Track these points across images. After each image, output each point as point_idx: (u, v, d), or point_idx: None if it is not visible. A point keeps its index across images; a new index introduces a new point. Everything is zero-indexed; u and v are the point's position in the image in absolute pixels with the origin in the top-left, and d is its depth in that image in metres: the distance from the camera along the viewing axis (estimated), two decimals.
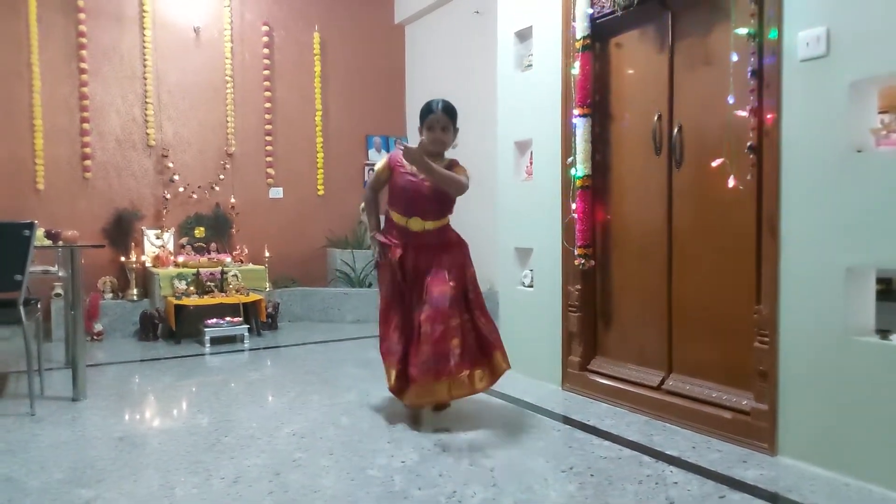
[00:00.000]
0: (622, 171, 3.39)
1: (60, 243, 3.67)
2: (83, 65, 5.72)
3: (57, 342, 4.93)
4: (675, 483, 2.35)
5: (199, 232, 6.09)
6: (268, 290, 5.87)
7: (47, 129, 5.62)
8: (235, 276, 5.56)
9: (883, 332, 2.33)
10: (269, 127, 6.59)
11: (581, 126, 3.37)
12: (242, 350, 4.92)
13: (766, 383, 2.59)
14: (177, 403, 3.55)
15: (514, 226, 3.98)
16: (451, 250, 3.16)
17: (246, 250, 6.06)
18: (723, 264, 2.86)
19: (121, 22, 5.90)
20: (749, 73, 2.59)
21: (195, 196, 6.22)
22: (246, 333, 5.14)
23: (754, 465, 2.50)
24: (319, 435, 2.91)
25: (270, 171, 6.61)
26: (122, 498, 2.27)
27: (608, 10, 3.25)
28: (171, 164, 6.11)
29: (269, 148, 6.60)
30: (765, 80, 2.57)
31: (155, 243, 5.92)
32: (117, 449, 2.76)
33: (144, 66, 5.98)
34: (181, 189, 6.15)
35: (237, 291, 5.48)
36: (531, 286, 3.90)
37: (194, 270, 5.50)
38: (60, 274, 4.13)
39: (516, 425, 3.04)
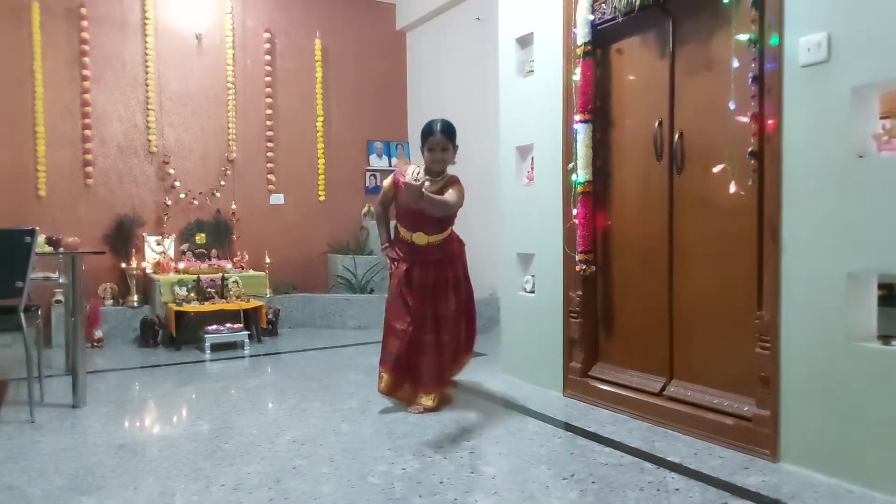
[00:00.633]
0: (623, 176, 3.39)
1: (61, 250, 3.67)
2: (85, 72, 5.74)
3: (57, 349, 4.93)
4: (677, 490, 2.34)
5: (200, 238, 6.10)
6: (268, 296, 5.88)
7: (49, 136, 5.64)
8: (236, 282, 5.56)
9: (885, 338, 2.32)
10: (270, 133, 6.60)
11: (582, 132, 3.37)
12: (243, 356, 4.92)
13: (768, 389, 2.58)
14: (177, 410, 3.54)
15: (516, 231, 3.97)
16: (455, 262, 3.48)
17: (247, 256, 6.06)
18: (724, 270, 2.85)
19: (123, 29, 5.92)
20: (750, 79, 2.59)
21: (196, 202, 6.23)
22: (246, 340, 5.14)
23: (756, 471, 2.49)
24: (320, 442, 2.90)
25: (271, 177, 6.62)
26: None
27: (609, 17, 3.26)
28: (172, 171, 6.12)
29: (270, 154, 6.61)
30: (766, 86, 2.56)
31: (156, 249, 5.92)
32: (118, 456, 2.76)
33: (146, 72, 6.00)
34: (182, 195, 6.16)
35: (238, 298, 5.48)
36: (532, 292, 3.89)
37: (195, 277, 5.50)
38: (61, 280, 4.13)
39: (518, 432, 3.03)
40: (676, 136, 3.04)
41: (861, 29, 2.28)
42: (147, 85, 6.01)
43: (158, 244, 5.95)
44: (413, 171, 3.39)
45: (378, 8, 7.16)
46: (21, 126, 5.56)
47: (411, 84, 7.32)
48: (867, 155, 2.32)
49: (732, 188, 2.66)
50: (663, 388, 3.13)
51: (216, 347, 5.04)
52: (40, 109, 5.58)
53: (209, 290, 5.46)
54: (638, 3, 3.05)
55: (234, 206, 6.33)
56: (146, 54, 5.99)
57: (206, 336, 5.00)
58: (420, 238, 3.36)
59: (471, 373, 3.93)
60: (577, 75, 3.38)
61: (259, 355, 4.97)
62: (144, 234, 5.95)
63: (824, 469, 2.41)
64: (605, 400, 3.37)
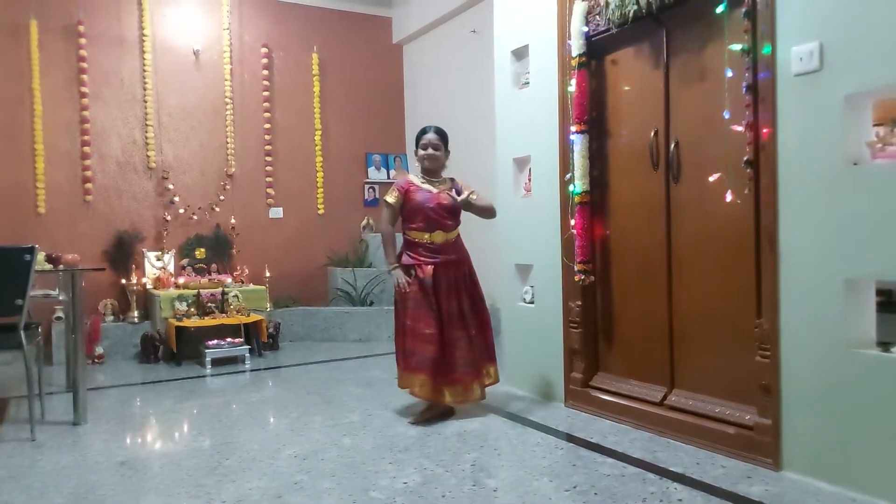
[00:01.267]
0: (620, 186, 3.40)
1: (61, 267, 3.68)
2: (84, 89, 5.77)
3: (58, 366, 4.93)
4: (680, 500, 2.33)
5: (200, 253, 6.11)
6: (269, 310, 5.87)
7: (48, 153, 5.66)
8: (236, 296, 5.56)
9: (884, 345, 2.32)
10: (268, 147, 6.63)
11: (578, 142, 3.38)
12: (244, 371, 4.91)
13: (769, 398, 2.58)
14: (178, 426, 3.54)
15: (514, 242, 3.98)
16: (467, 260, 3.55)
17: (246, 270, 6.07)
18: (723, 278, 2.85)
19: (121, 46, 5.96)
20: (744, 88, 2.61)
21: (195, 217, 6.24)
22: (247, 354, 5.13)
23: (759, 480, 2.48)
24: (321, 456, 2.90)
25: (270, 191, 6.63)
26: None
27: (603, 28, 3.28)
28: (171, 186, 6.14)
29: (268, 168, 6.63)
30: (760, 95, 2.58)
31: (155, 265, 5.93)
32: (118, 474, 2.75)
33: (145, 89, 6.03)
34: (181, 210, 6.17)
35: (238, 312, 5.48)
36: (532, 302, 3.89)
37: (195, 292, 5.50)
38: (61, 298, 4.13)
39: (520, 444, 3.03)
40: (672, 145, 3.06)
41: (853, 38, 2.30)
42: (145, 101, 6.04)
43: (158, 259, 5.96)
44: (418, 178, 3.49)
45: (374, 21, 7.21)
46: (20, 144, 5.58)
47: (408, 97, 7.35)
48: (861, 162, 2.34)
49: (729, 197, 2.67)
50: (664, 398, 3.13)
51: (217, 362, 5.03)
52: (39, 127, 5.61)
53: (209, 304, 5.46)
54: (631, 14, 3.08)
55: (233, 221, 6.34)
56: (144, 71, 6.02)
57: (206, 351, 5.00)
58: (439, 236, 3.40)
59: None
60: (572, 86, 3.39)
61: (260, 369, 4.96)
62: (144, 249, 5.96)
63: (827, 477, 2.40)
64: (607, 410, 3.36)
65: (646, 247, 3.24)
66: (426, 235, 3.41)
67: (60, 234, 5.62)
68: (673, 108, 3.08)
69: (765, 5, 2.55)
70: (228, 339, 5.15)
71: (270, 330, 5.63)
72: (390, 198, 3.47)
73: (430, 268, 3.38)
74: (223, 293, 5.55)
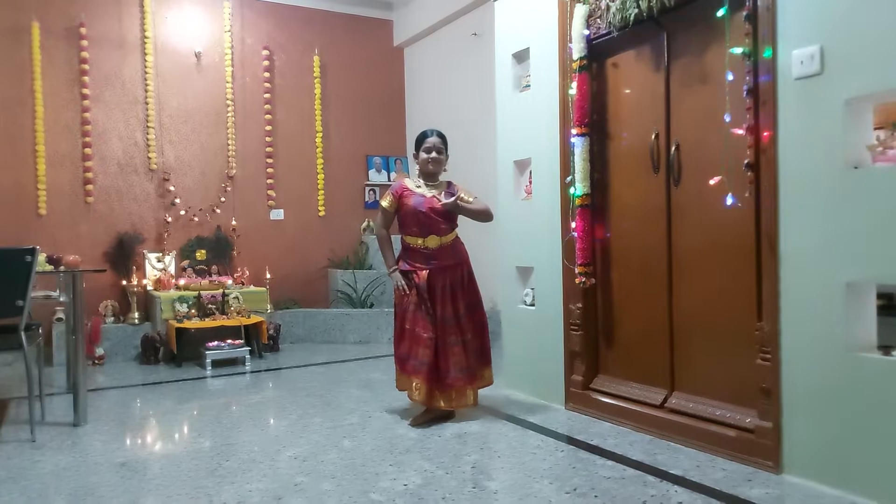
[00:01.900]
0: (621, 189, 3.40)
1: (62, 268, 3.68)
2: (85, 91, 5.78)
3: (58, 367, 4.93)
4: (680, 503, 2.33)
5: (201, 255, 6.11)
6: (269, 311, 5.87)
7: (49, 155, 5.67)
8: (237, 298, 5.56)
9: (885, 348, 2.32)
10: (269, 149, 6.64)
11: (579, 145, 3.39)
12: (244, 372, 4.91)
13: (770, 401, 2.58)
14: (178, 427, 3.54)
15: (515, 245, 3.98)
16: (465, 262, 3.51)
17: (247, 272, 6.07)
18: (723, 281, 2.86)
19: (123, 48, 5.97)
20: (745, 92, 2.61)
21: (196, 219, 6.25)
22: (247, 356, 5.13)
23: (759, 483, 2.48)
24: (321, 458, 2.90)
25: (271, 192, 6.64)
26: None
27: (604, 31, 3.29)
28: (172, 188, 6.14)
29: (269, 170, 6.64)
30: (760, 99, 2.59)
31: (156, 266, 5.93)
32: (118, 475, 2.75)
33: (146, 91, 6.04)
34: (182, 212, 6.18)
35: (238, 314, 5.48)
36: (533, 305, 3.89)
37: (195, 293, 5.50)
38: (62, 299, 4.13)
39: (520, 446, 3.03)
40: (673, 148, 3.06)
41: (853, 41, 2.31)
42: (147, 103, 6.05)
43: (159, 261, 5.97)
44: (414, 182, 3.49)
45: (376, 24, 7.22)
46: (21, 145, 5.59)
47: (409, 99, 7.36)
48: (862, 166, 2.34)
49: (729, 200, 2.68)
50: (665, 401, 3.13)
51: (217, 364, 5.03)
52: (41, 129, 5.61)
53: (210, 306, 5.47)
54: (632, 17, 3.09)
55: (234, 223, 6.34)
56: (146, 72, 6.03)
57: (207, 352, 5.00)
58: (433, 241, 3.39)
59: None
60: (573, 89, 3.40)
61: (260, 371, 4.96)
62: (145, 251, 5.96)
63: (827, 480, 2.40)
64: (607, 413, 3.36)
65: (646, 249, 3.24)
66: (420, 240, 3.40)
67: (61, 235, 5.62)
68: (674, 111, 3.08)
69: (766, 9, 2.55)
70: (229, 341, 5.15)
71: (271, 331, 5.63)
72: (384, 202, 3.49)
73: (424, 273, 3.38)
74: (224, 295, 5.55)
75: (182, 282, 5.75)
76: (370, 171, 7.20)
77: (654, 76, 3.16)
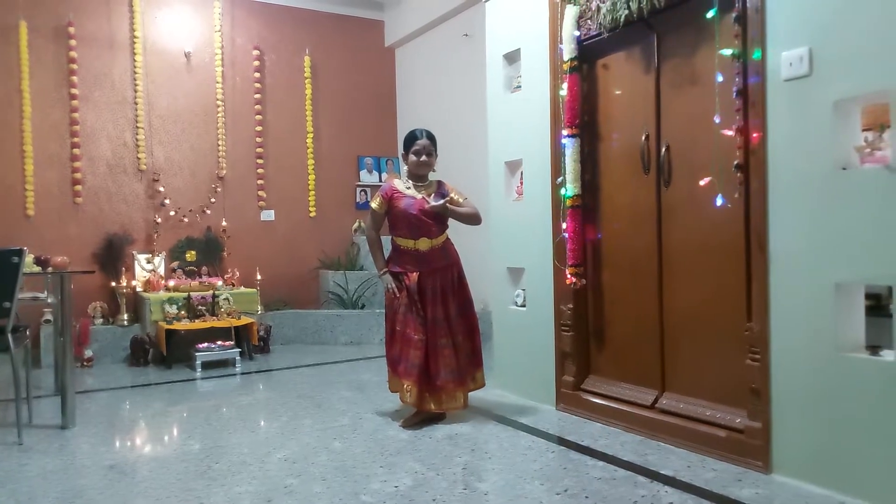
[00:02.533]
0: (611, 190, 3.41)
1: (50, 270, 3.65)
2: (74, 91, 5.74)
3: (46, 369, 4.89)
4: (671, 503, 2.34)
5: (191, 256, 6.07)
6: (260, 313, 5.85)
7: (38, 155, 5.62)
8: (227, 299, 5.53)
9: (873, 348, 2.34)
10: (260, 150, 6.61)
11: (570, 146, 3.39)
12: (234, 374, 4.88)
13: (759, 401, 2.59)
14: (167, 430, 3.51)
15: (506, 246, 3.98)
16: (456, 264, 3.51)
17: (237, 273, 6.04)
18: (713, 282, 2.87)
19: (112, 48, 5.93)
20: (734, 93, 2.62)
21: (186, 220, 6.21)
22: (237, 357, 5.11)
23: (749, 483, 2.49)
24: (312, 460, 2.88)
25: (262, 193, 6.61)
26: None
27: (595, 32, 3.29)
28: (161, 189, 6.11)
29: (260, 171, 6.61)
30: (750, 100, 2.60)
31: (146, 268, 5.90)
32: (107, 478, 2.73)
33: (135, 91, 6.00)
34: (172, 213, 6.14)
35: (229, 315, 5.45)
36: (524, 306, 3.89)
37: (185, 294, 5.47)
38: (50, 300, 4.10)
39: (511, 447, 3.02)
40: (663, 149, 3.07)
41: (841, 43, 2.32)
42: (136, 103, 6.01)
43: (148, 262, 5.93)
44: (404, 183, 3.47)
45: (367, 25, 7.21)
46: (9, 145, 5.54)
47: (401, 100, 7.35)
48: (850, 167, 2.35)
49: (719, 201, 2.69)
50: (655, 401, 3.13)
51: (207, 365, 5.00)
52: (28, 129, 5.57)
53: (200, 307, 5.44)
54: (623, 19, 3.09)
55: (224, 223, 6.31)
56: (135, 72, 6.00)
57: (196, 354, 4.97)
58: (424, 244, 3.38)
59: None
60: (564, 90, 3.40)
61: (250, 373, 4.94)
62: (134, 252, 5.92)
63: (817, 480, 2.41)
64: (598, 413, 3.37)
65: (637, 250, 3.25)
66: (411, 243, 3.40)
67: (50, 236, 5.57)
68: (664, 112, 3.09)
69: (755, 10, 2.56)
70: (219, 342, 5.13)
71: (261, 333, 5.61)
72: (374, 203, 3.49)
73: (415, 275, 3.38)
74: (214, 296, 5.52)
75: (172, 283, 5.72)
76: (361, 172, 7.19)
77: (645, 77, 3.17)
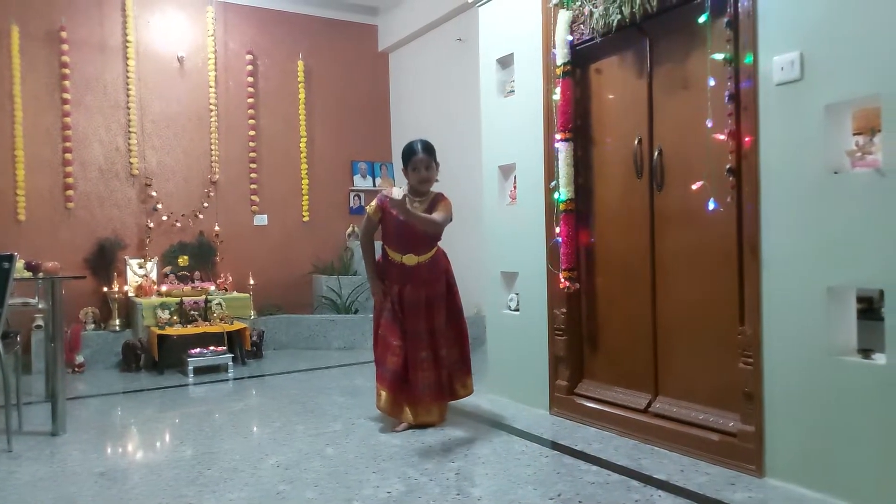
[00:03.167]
0: (605, 194, 3.41)
1: (41, 275, 3.62)
2: (66, 95, 5.72)
3: (37, 375, 4.85)
4: None
5: (183, 260, 6.05)
6: (252, 318, 5.83)
7: (29, 160, 5.59)
8: (219, 304, 5.51)
9: (865, 352, 2.34)
10: (253, 154, 6.60)
11: (563, 150, 3.39)
12: (227, 380, 4.86)
13: (752, 405, 2.59)
14: (159, 436, 3.49)
15: (500, 250, 3.98)
16: (444, 276, 3.50)
17: (230, 278, 6.02)
18: (706, 285, 2.87)
19: (104, 52, 5.91)
20: (726, 97, 2.63)
21: (178, 224, 6.19)
22: (230, 363, 5.08)
23: (742, 487, 2.49)
24: (304, 466, 2.87)
25: (255, 198, 6.60)
26: None
27: (587, 37, 3.30)
28: (154, 193, 6.09)
29: (253, 175, 6.60)
30: (742, 104, 2.61)
31: (138, 273, 5.87)
32: (98, 485, 2.70)
33: (128, 95, 5.98)
34: (164, 218, 6.12)
35: (221, 320, 5.43)
36: (517, 310, 3.89)
37: (178, 299, 5.45)
38: (41, 306, 4.07)
39: (504, 452, 3.01)
40: (656, 153, 3.08)
41: (833, 48, 2.33)
42: (128, 108, 5.99)
43: (141, 267, 5.90)
44: (399, 192, 3.43)
45: (360, 29, 7.22)
46: (0, 150, 5.51)
47: (394, 104, 7.36)
48: (842, 171, 2.36)
49: (711, 205, 2.69)
50: (649, 405, 3.13)
51: (200, 371, 4.98)
52: (20, 133, 5.54)
53: (192, 312, 5.41)
54: (615, 23, 3.10)
55: (217, 228, 6.30)
56: (128, 77, 5.98)
57: (189, 359, 4.94)
58: (410, 259, 3.39)
59: None
60: (557, 95, 3.41)
61: (243, 378, 4.91)
62: (126, 257, 5.90)
63: (810, 484, 2.41)
64: (592, 417, 3.36)
65: (630, 254, 3.25)
66: (399, 256, 3.41)
67: (41, 241, 5.54)
68: (656, 116, 3.10)
69: (746, 15, 2.57)
70: (211, 348, 5.10)
71: (254, 338, 5.58)
72: (370, 208, 3.48)
73: (396, 288, 3.41)
74: (206, 301, 5.50)
75: (164, 288, 5.69)
76: (355, 177, 7.18)
77: (637, 82, 3.18)
